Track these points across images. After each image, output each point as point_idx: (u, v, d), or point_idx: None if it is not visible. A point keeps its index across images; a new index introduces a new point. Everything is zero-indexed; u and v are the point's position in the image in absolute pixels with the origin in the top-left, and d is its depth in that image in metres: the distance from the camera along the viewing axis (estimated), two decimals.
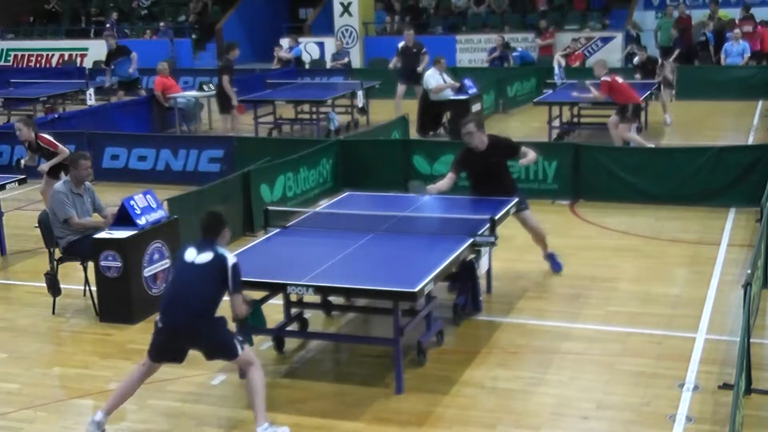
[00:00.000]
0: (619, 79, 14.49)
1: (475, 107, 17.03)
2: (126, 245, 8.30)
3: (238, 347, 6.22)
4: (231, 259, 6.27)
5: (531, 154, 9.24)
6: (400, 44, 19.01)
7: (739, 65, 21.30)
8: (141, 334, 8.15)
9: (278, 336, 7.59)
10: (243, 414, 6.56)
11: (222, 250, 6.31)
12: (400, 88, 18.53)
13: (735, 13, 24.26)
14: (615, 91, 14.29)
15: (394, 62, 19.22)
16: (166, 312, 6.27)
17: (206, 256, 6.27)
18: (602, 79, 14.42)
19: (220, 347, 6.29)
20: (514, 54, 24.31)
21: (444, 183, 9.06)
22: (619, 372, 7.06)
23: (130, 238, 8.36)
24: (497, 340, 7.74)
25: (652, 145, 13.92)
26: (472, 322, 8.14)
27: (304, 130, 18.55)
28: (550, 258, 9.45)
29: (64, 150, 11.29)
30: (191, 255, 6.33)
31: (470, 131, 8.97)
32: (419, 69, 18.04)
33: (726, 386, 6.56)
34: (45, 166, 11.21)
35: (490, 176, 9.06)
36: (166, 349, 6.31)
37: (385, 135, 14.82)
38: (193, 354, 7.59)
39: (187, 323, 6.19)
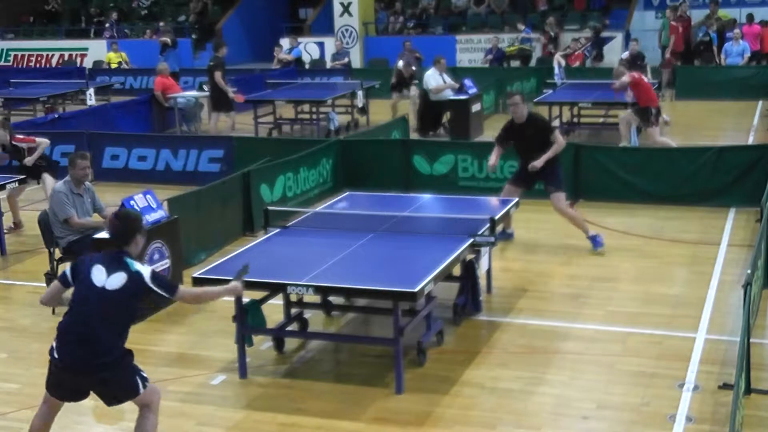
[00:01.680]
0: (645, 79, 14.32)
1: (475, 107, 17.04)
2: None
3: (140, 385, 5.51)
4: (146, 271, 5.51)
5: (557, 144, 9.78)
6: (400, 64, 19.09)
7: (739, 65, 21.29)
8: (141, 334, 8.14)
9: (278, 336, 7.59)
10: (242, 414, 6.57)
11: (135, 266, 5.50)
12: (394, 96, 18.67)
13: (735, 13, 24.24)
14: (640, 90, 14.07)
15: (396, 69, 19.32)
16: (65, 345, 5.40)
17: (118, 279, 5.41)
18: (630, 73, 14.27)
19: (124, 388, 5.51)
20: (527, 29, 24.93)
21: (494, 157, 10.16)
22: (619, 372, 7.05)
23: None
24: (497, 340, 7.73)
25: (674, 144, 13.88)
26: (472, 322, 8.14)
27: (304, 130, 18.56)
28: (592, 239, 9.93)
29: (43, 140, 11.73)
30: (100, 276, 5.44)
31: (515, 102, 9.87)
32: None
33: (726, 386, 6.56)
34: (30, 160, 11.46)
35: (530, 149, 9.88)
36: (66, 388, 5.52)
37: (385, 135, 14.82)
38: (194, 354, 7.62)
39: (91, 363, 5.36)
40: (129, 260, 5.51)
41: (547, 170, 9.81)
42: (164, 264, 8.71)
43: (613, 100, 15.39)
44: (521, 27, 25.25)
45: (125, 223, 5.68)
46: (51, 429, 5.81)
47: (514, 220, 10.22)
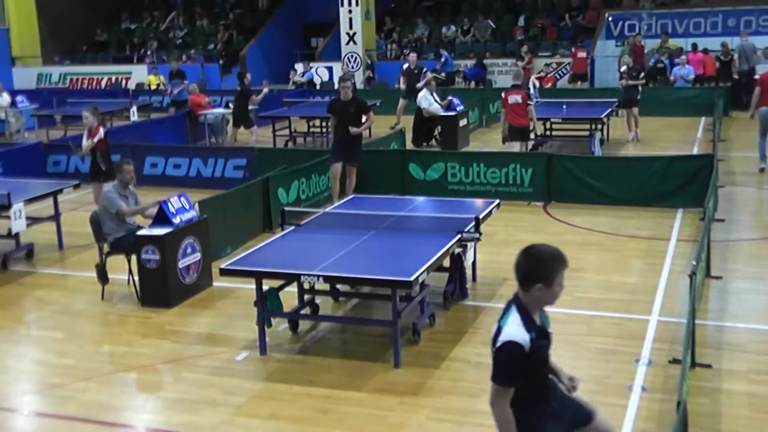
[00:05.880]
0: (513, 98, 13.22)
1: (462, 122, 17.04)
2: (163, 241, 8.29)
3: None
4: (510, 337, 3.55)
5: None
6: (404, 66, 20.07)
7: (686, 87, 21.27)
8: (176, 317, 8.16)
9: (293, 319, 7.58)
10: (262, 385, 6.56)
11: (506, 321, 3.64)
12: (402, 102, 19.32)
13: (682, 42, 24.23)
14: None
15: (399, 80, 20.17)
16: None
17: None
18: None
19: None
20: (446, 55, 25.13)
21: None
22: (584, 349, 7.04)
23: (166, 235, 8.35)
24: (481, 322, 7.72)
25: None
26: (460, 307, 8.12)
27: (315, 141, 18.54)
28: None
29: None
30: None
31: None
32: (419, 85, 18.72)
33: (675, 361, 6.56)
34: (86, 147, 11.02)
35: None
36: None
37: (385, 146, 14.79)
38: (221, 334, 7.61)
39: None
40: (509, 310, 3.56)
41: None
42: (195, 257, 8.71)
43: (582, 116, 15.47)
44: (442, 52, 25.39)
45: (528, 260, 3.52)
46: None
47: (497, 219, 9.99)
